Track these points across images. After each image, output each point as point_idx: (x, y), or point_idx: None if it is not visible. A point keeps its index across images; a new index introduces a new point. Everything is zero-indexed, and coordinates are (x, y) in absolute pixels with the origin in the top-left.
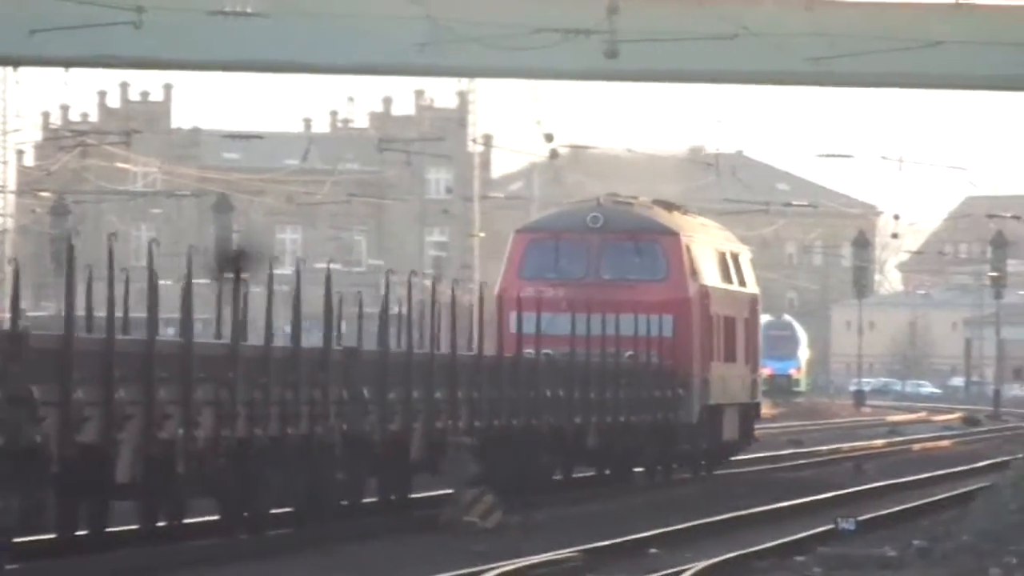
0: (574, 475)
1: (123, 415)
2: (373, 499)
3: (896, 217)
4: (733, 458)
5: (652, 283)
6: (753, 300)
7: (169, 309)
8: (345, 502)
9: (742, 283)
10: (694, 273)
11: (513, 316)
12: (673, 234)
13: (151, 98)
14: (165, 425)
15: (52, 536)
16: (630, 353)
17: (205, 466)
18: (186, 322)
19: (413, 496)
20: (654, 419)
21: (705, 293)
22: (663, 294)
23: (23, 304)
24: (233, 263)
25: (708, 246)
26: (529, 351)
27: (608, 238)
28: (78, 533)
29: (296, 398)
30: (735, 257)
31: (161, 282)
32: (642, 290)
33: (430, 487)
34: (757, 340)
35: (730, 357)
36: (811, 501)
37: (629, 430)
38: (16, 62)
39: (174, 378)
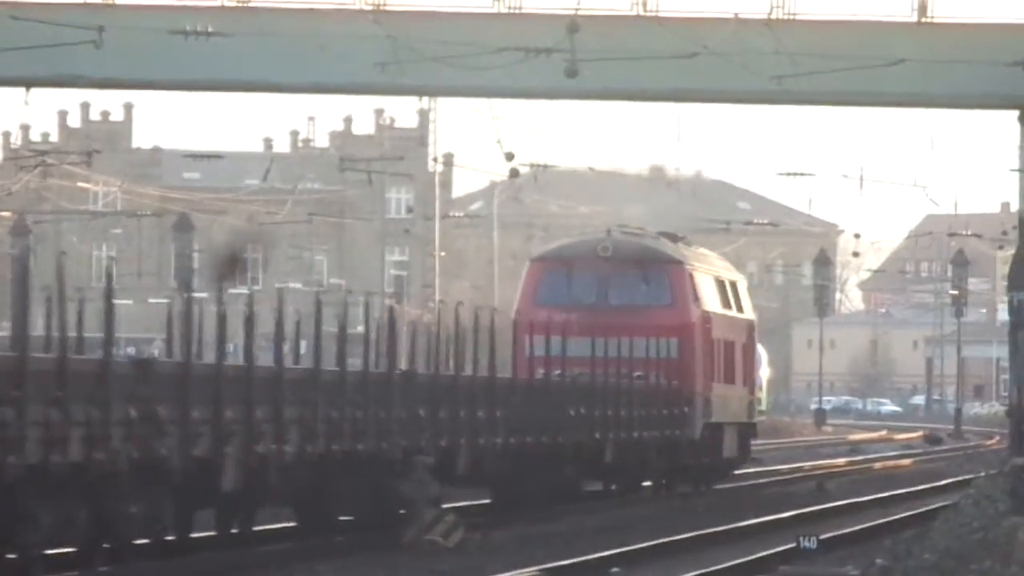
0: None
1: (229, 432)
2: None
3: (857, 236)
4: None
5: (658, 308)
6: (750, 325)
7: (128, 329)
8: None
9: (740, 309)
10: (697, 299)
11: (530, 340)
12: (678, 263)
13: (112, 118)
14: (261, 440)
15: (141, 541)
16: (639, 374)
17: (291, 477)
18: (277, 348)
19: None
20: (662, 435)
21: (707, 318)
22: (669, 319)
23: None
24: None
25: (709, 274)
26: (542, 371)
27: (617, 267)
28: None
29: (366, 416)
30: (733, 285)
31: (122, 302)
32: (649, 315)
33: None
34: (754, 363)
35: (729, 379)
36: (773, 520)
37: (640, 445)
38: None
39: (268, 399)
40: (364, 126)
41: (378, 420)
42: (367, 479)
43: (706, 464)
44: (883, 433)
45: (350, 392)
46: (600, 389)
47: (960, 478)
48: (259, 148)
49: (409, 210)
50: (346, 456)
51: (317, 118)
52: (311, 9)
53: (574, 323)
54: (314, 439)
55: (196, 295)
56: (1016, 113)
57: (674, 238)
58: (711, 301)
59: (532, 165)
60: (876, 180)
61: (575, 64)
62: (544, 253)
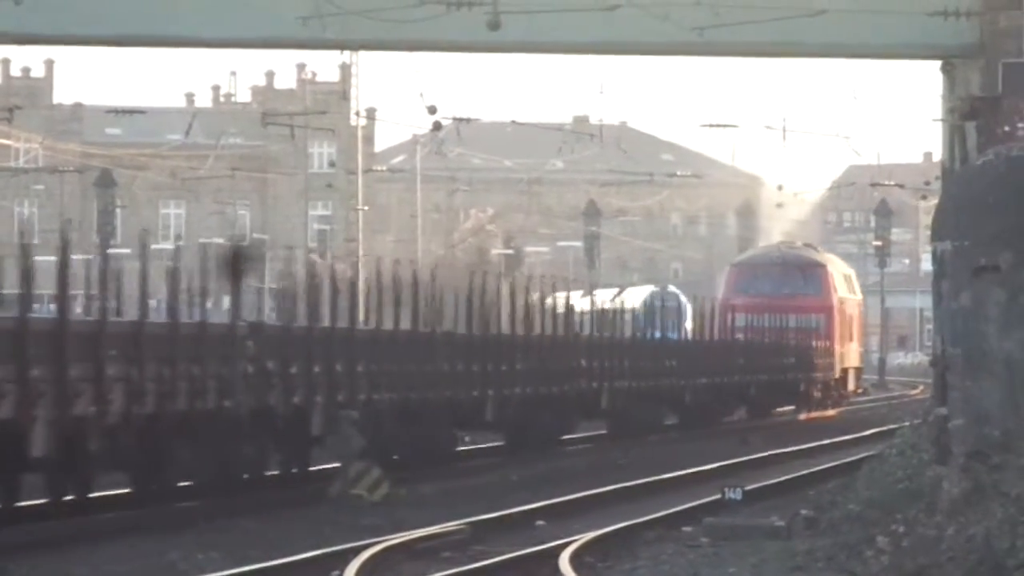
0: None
1: (317, 383)
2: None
3: (780, 187)
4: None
5: (811, 296)
6: (860, 303)
7: (47, 286)
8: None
9: (854, 292)
10: (835, 289)
11: (733, 317)
12: (823, 266)
13: (32, 74)
14: (341, 391)
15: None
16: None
17: (363, 421)
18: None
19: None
20: (821, 375)
21: (841, 301)
22: (818, 303)
23: None
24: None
25: (839, 271)
26: (740, 337)
27: (785, 269)
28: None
29: (416, 370)
30: (850, 277)
31: (44, 258)
32: (806, 300)
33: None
34: (862, 327)
35: (851, 339)
36: (697, 472)
37: (812, 382)
38: None
39: (345, 356)
40: (286, 80)
41: (421, 374)
42: (412, 422)
43: (841, 393)
44: None
45: (403, 349)
46: (791, 347)
47: (884, 428)
48: (181, 103)
49: (332, 164)
50: (399, 405)
51: (239, 73)
52: None
53: (760, 306)
54: (379, 390)
55: (117, 251)
56: (938, 63)
57: (815, 249)
58: (841, 289)
59: (455, 118)
60: (799, 131)
61: (497, 17)
62: (738, 261)
